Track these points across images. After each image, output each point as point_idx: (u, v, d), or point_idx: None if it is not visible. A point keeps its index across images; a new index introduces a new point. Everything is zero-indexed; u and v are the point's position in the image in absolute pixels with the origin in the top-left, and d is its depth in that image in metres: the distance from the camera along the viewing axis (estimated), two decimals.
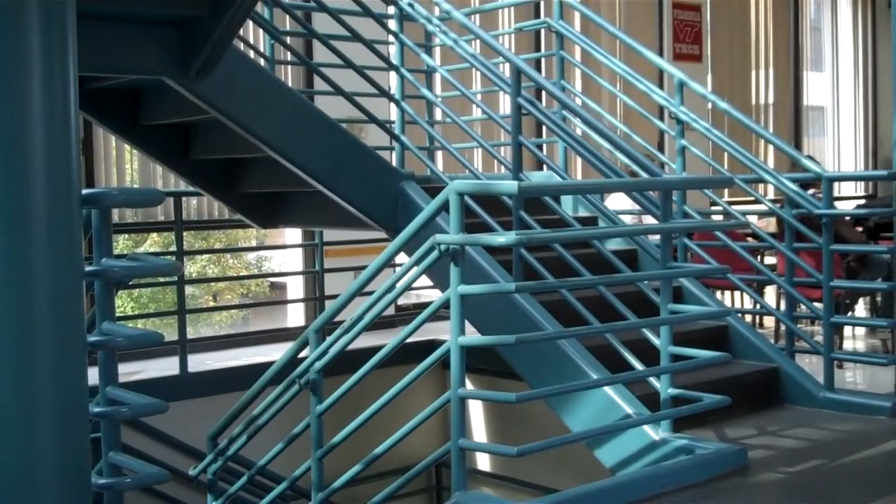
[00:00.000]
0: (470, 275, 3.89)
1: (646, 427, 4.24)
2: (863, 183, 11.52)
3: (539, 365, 4.60)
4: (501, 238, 3.81)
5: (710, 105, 7.72)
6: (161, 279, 8.33)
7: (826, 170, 5.82)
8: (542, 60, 8.25)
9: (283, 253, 11.16)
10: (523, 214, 4.77)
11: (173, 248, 7.02)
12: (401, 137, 5.74)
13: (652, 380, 4.36)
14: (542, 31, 8.24)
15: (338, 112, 5.48)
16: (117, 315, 2.98)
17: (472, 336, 3.93)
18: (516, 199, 4.77)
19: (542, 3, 8.33)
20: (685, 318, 4.68)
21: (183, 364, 6.50)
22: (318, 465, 4.46)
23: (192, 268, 15.30)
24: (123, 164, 7.22)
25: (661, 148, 8.05)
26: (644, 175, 4.82)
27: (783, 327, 5.64)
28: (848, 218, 6.64)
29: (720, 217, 6.10)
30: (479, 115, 6.56)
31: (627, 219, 6.57)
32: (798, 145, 10.34)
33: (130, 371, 6.31)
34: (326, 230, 7.30)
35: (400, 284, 4.16)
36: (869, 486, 3.96)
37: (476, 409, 7.25)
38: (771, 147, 8.09)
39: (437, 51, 6.87)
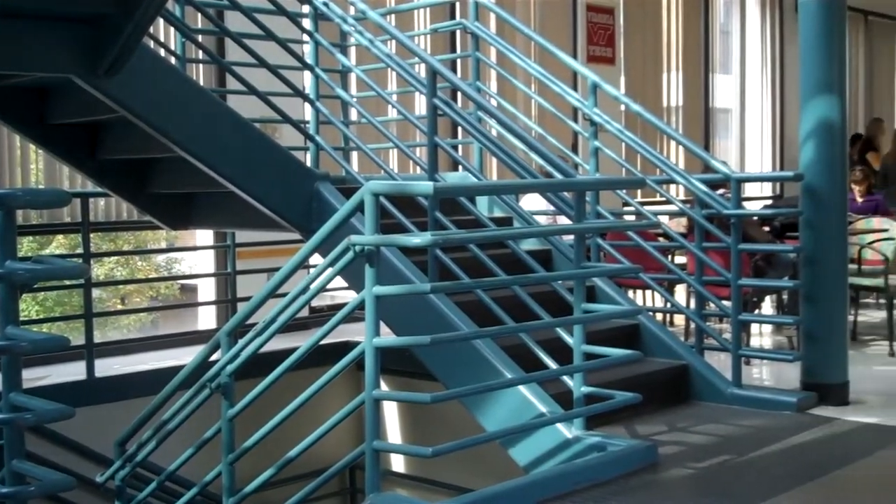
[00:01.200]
0: (385, 276, 3.88)
1: (559, 425, 4.28)
2: (770, 184, 11.82)
3: (454, 365, 4.61)
4: (417, 239, 3.81)
5: (622, 107, 7.83)
6: (67, 282, 8.13)
7: (734, 171, 5.94)
8: (458, 61, 8.28)
9: (193, 255, 11.00)
10: (439, 215, 4.78)
11: (80, 251, 6.86)
12: (315, 138, 5.70)
13: (566, 378, 4.41)
14: (458, 33, 8.27)
15: (251, 112, 5.41)
16: (21, 319, 2.90)
17: (387, 337, 3.92)
18: (432, 200, 4.78)
19: (457, 5, 8.36)
20: (598, 318, 4.74)
21: (90, 369, 6.35)
22: (230, 470, 4.40)
23: (99, 270, 14.97)
24: (28, 163, 7.03)
25: (575, 149, 8.14)
26: (558, 176, 4.87)
27: (693, 325, 5.75)
28: (755, 218, 6.79)
29: (632, 217, 6.20)
30: (395, 115, 6.57)
31: (542, 219, 6.63)
32: (707, 147, 10.54)
33: (35, 376, 6.15)
34: (239, 231, 7.20)
35: (314, 286, 4.13)
36: (775, 480, 4.06)
37: (392, 411, 7.24)
38: (682, 148, 8.23)
39: (353, 51, 6.84)
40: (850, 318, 6.25)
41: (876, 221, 7.82)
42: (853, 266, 6.53)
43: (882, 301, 7.86)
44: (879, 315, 7.91)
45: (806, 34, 5.27)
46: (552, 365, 4.41)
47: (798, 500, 3.81)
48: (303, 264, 4.33)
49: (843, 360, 5.27)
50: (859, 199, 8.74)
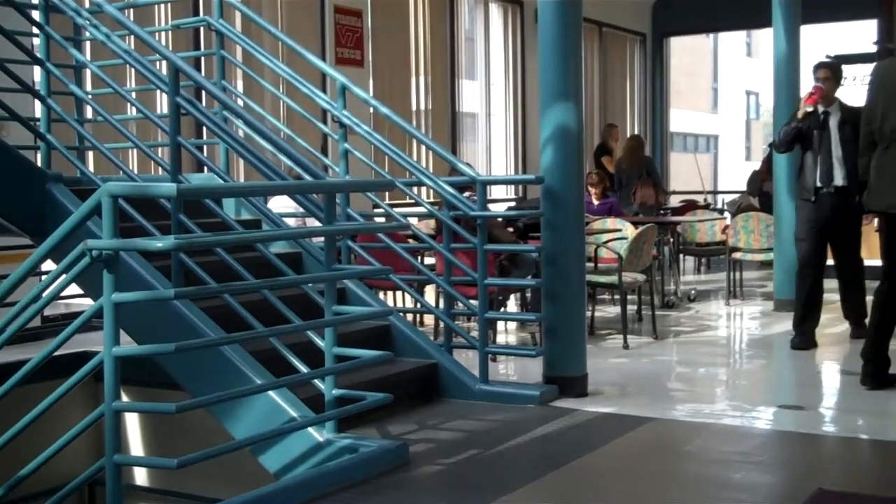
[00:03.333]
0: (126, 282, 3.72)
1: (310, 429, 4.24)
2: (513, 186, 12.26)
3: (201, 373, 4.47)
4: (159, 243, 3.67)
5: (371, 109, 7.87)
6: None
7: (480, 174, 6.10)
8: (202, 59, 8.05)
9: None
10: (183, 218, 4.63)
11: None
12: (46, 136, 5.37)
13: (317, 382, 4.38)
14: (202, 29, 8.03)
15: None
16: None
17: (128, 346, 3.73)
18: (175, 202, 4.62)
19: (201, 1, 8.13)
20: (349, 319, 4.75)
21: None
22: None
23: None
24: None
25: (324, 151, 8.10)
26: (308, 178, 4.82)
27: (442, 324, 5.87)
28: (500, 219, 7.01)
29: (382, 219, 6.24)
30: (135, 113, 6.29)
31: (291, 221, 6.56)
32: (455, 150, 10.79)
33: None
34: None
35: (46, 294, 3.89)
36: (521, 471, 4.20)
37: (138, 424, 6.93)
38: (430, 151, 8.39)
39: (88, 45, 6.50)
40: (588, 313, 6.58)
41: (610, 222, 8.29)
42: (590, 264, 6.87)
43: (616, 297, 8.34)
44: (614, 310, 8.40)
45: (544, 44, 5.48)
46: (303, 369, 4.36)
47: (541, 490, 3.96)
48: (34, 271, 4.07)
49: (581, 354, 5.53)
50: (595, 202, 9.23)
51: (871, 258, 8.44)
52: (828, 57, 14.64)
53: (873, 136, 5.43)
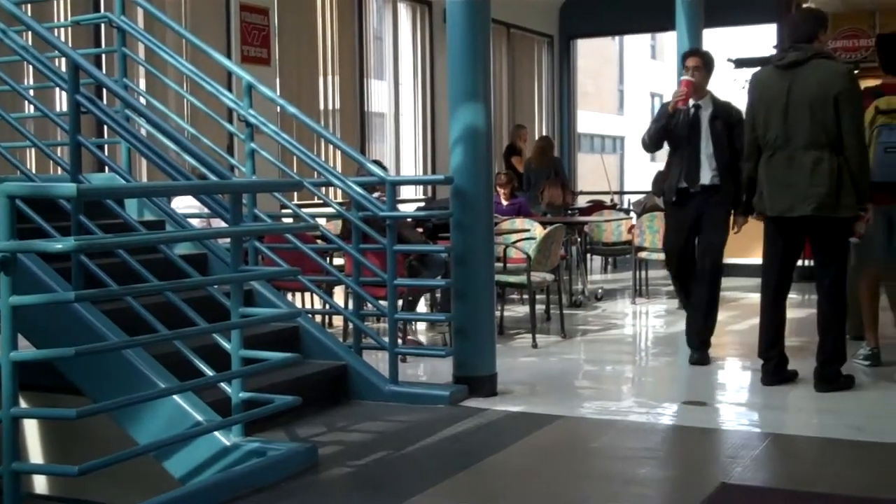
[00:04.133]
0: (24, 285, 3.60)
1: (217, 433, 4.17)
2: (422, 186, 12.27)
3: (103, 378, 4.36)
4: (59, 244, 3.56)
5: (279, 109, 7.79)
6: None
7: (389, 174, 6.09)
8: (103, 57, 7.85)
9: None
10: (83, 219, 4.52)
11: None
12: None
13: (224, 385, 4.31)
14: (103, 26, 7.83)
15: None
16: None
17: (26, 350, 3.62)
18: (75, 203, 4.51)
19: None
20: (256, 321, 4.69)
21: None
22: None
23: None
24: None
25: (230, 151, 7.98)
26: (213, 178, 4.74)
27: (351, 326, 5.83)
28: (409, 220, 7.00)
29: (290, 220, 6.18)
30: (33, 111, 6.10)
31: (196, 222, 6.45)
32: (363, 150, 10.74)
33: None
34: None
35: None
36: (431, 471, 4.20)
37: (37, 430, 6.73)
38: (339, 151, 8.33)
39: None
40: (497, 313, 6.61)
41: (519, 222, 8.35)
42: (499, 264, 6.91)
43: (525, 297, 8.41)
44: (523, 310, 8.46)
45: (453, 44, 5.50)
46: (209, 372, 4.29)
47: (450, 489, 3.96)
48: None
49: (490, 354, 5.55)
50: (504, 202, 9.29)
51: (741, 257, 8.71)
52: (729, 60, 15.08)
53: (758, 143, 5.57)
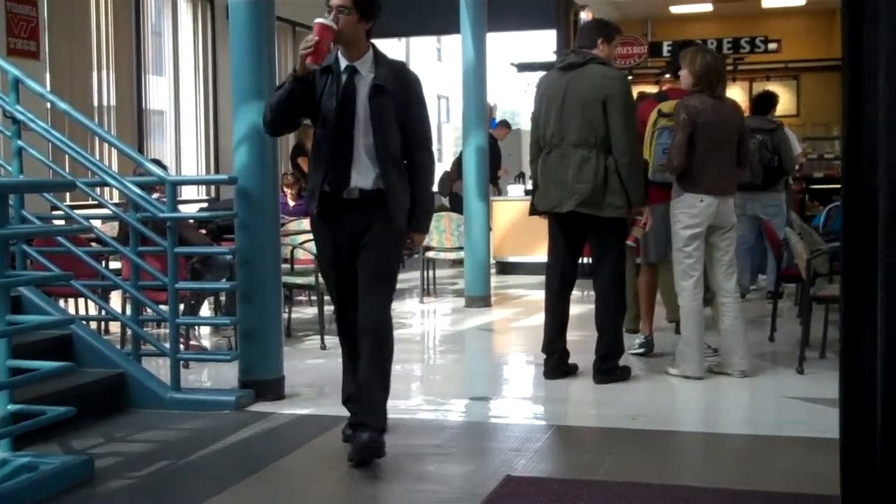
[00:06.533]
0: None
1: None
2: (205, 187, 11.95)
3: None
4: None
5: (49, 105, 7.38)
6: None
7: (169, 174, 5.88)
8: None
9: None
10: None
11: None
12: None
13: None
14: None
15: None
16: None
17: None
18: None
19: None
20: (25, 329, 4.47)
21: None
22: None
23: None
24: None
25: None
26: None
27: (130, 332, 5.60)
28: (191, 221, 6.80)
29: (62, 222, 5.87)
30: None
31: None
32: (141, 149, 10.35)
33: None
34: None
35: None
36: (215, 479, 4.08)
37: None
38: (115, 150, 7.98)
39: None
40: (285, 315, 6.52)
41: (306, 223, 8.25)
42: (286, 266, 6.82)
43: (314, 298, 8.33)
44: (312, 311, 8.38)
45: (236, 41, 5.37)
46: None
47: (237, 496, 3.87)
48: None
49: (278, 357, 5.47)
50: (291, 203, 9.18)
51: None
52: (512, 65, 15.41)
53: (539, 144, 5.78)
